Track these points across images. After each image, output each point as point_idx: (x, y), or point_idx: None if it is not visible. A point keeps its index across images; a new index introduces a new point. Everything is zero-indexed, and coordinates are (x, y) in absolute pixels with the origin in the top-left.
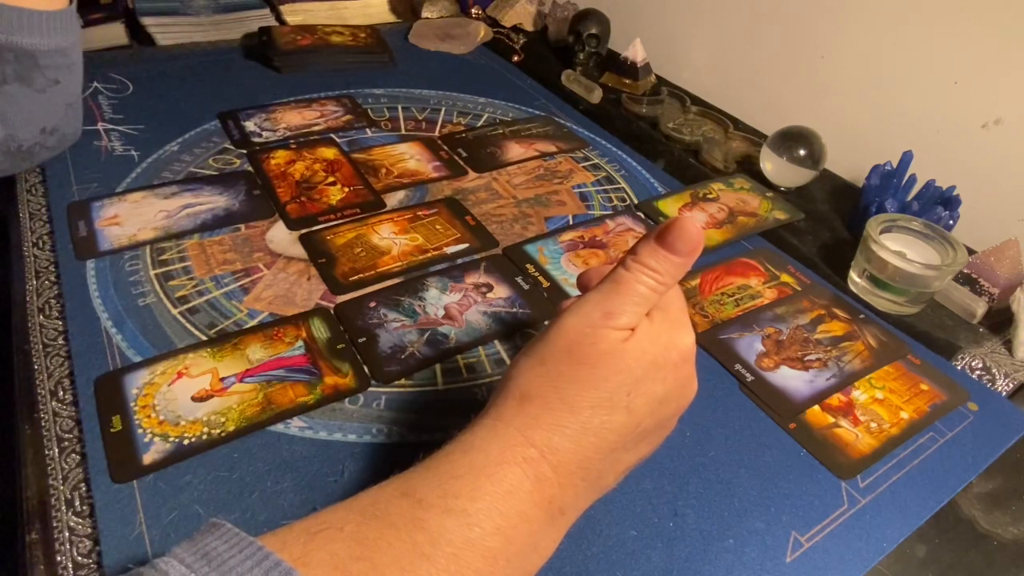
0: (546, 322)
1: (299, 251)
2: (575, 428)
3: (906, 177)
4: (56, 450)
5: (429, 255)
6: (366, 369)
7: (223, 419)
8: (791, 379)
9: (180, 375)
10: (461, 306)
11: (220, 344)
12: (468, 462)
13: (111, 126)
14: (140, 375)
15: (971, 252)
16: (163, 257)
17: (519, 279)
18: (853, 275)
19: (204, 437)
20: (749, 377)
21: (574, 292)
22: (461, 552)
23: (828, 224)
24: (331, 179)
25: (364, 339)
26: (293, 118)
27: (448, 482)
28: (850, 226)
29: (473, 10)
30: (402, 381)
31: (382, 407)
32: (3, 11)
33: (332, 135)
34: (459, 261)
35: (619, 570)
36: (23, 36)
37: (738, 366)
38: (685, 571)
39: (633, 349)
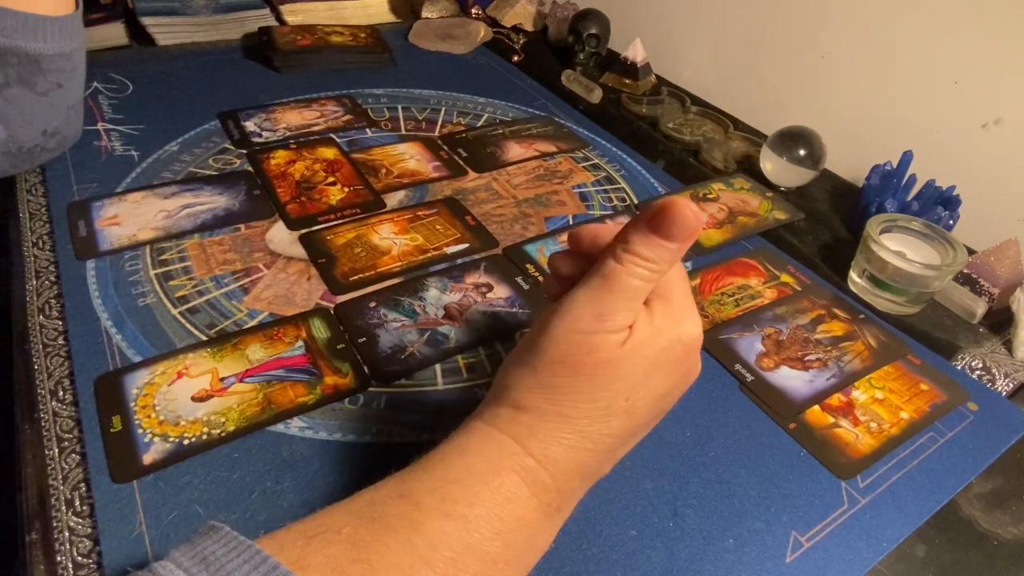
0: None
1: (299, 251)
2: (572, 438)
3: (906, 177)
4: (56, 450)
5: (429, 255)
6: (366, 369)
7: (223, 419)
8: (791, 379)
9: (180, 375)
10: (461, 306)
11: (220, 344)
12: (465, 466)
13: (111, 126)
14: (140, 375)
15: (971, 252)
16: (163, 257)
17: (519, 279)
18: (853, 275)
19: (204, 437)
20: (749, 377)
21: None
22: (460, 557)
23: (828, 224)
24: (331, 179)
25: (364, 339)
26: (293, 118)
27: (445, 486)
28: (850, 226)
29: (473, 10)
30: (402, 381)
31: (382, 407)
32: (7, 15)
33: (332, 135)
34: (459, 261)
35: (619, 570)
36: (27, 40)
37: (738, 366)
38: (685, 571)
39: (631, 354)
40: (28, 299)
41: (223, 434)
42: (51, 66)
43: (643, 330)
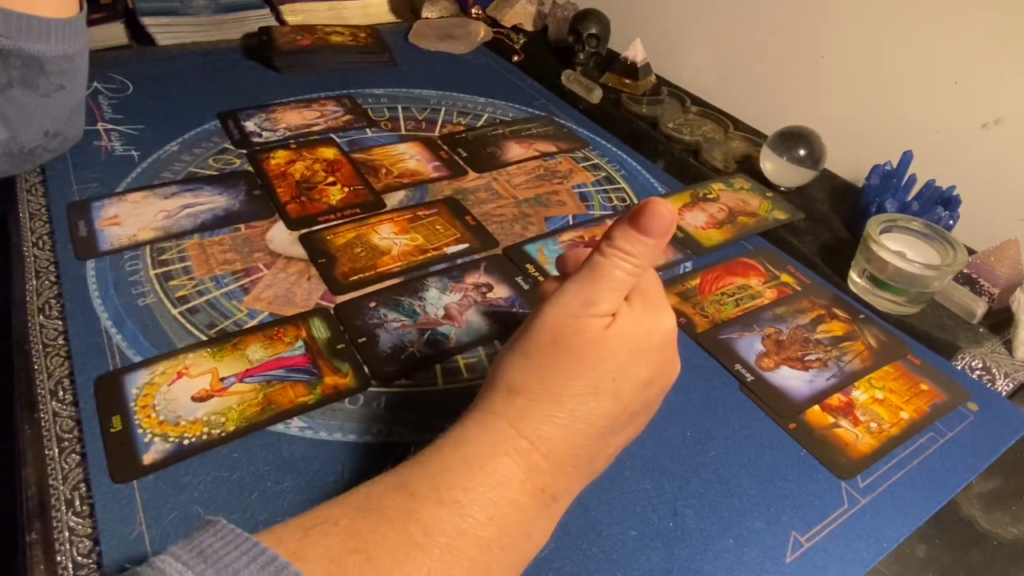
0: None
1: (299, 251)
2: (564, 417)
3: (906, 177)
4: (56, 450)
5: (429, 255)
6: (366, 369)
7: (223, 419)
8: (791, 379)
9: (180, 375)
10: (461, 306)
11: (220, 344)
12: (460, 455)
13: (111, 126)
14: (140, 375)
15: (971, 252)
16: (163, 257)
17: (519, 279)
18: (853, 275)
19: (204, 437)
20: (749, 377)
21: None
22: (455, 542)
23: (828, 224)
24: (331, 179)
25: (364, 339)
26: (293, 118)
27: (440, 474)
28: (850, 226)
29: (473, 10)
30: (402, 381)
31: (382, 407)
32: (11, 17)
33: (332, 135)
34: (459, 261)
35: (619, 570)
36: (30, 42)
37: (738, 366)
38: (685, 571)
39: (615, 336)
40: (28, 299)
41: (223, 434)
42: (54, 68)
43: (625, 317)
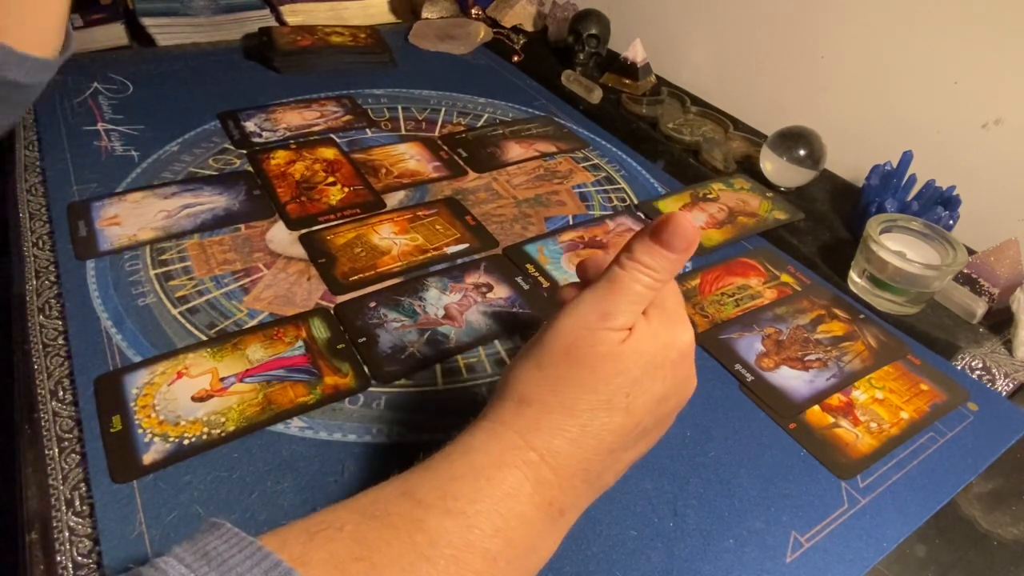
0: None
1: (299, 251)
2: (575, 431)
3: (906, 177)
4: (56, 450)
5: (429, 255)
6: (366, 369)
7: (223, 419)
8: (791, 379)
9: (180, 375)
10: (461, 306)
11: (220, 344)
12: (468, 463)
13: (111, 126)
14: (140, 375)
15: (971, 252)
16: (163, 257)
17: (519, 279)
18: (853, 275)
19: (204, 437)
20: (749, 377)
21: None
22: (461, 554)
23: (828, 224)
24: (331, 179)
25: (364, 339)
26: (293, 118)
27: (448, 483)
28: (850, 226)
29: (473, 10)
30: (402, 381)
31: (382, 407)
32: None
33: (332, 135)
34: (459, 261)
35: (619, 570)
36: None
37: (738, 366)
38: (685, 571)
39: (631, 350)
40: (28, 299)
41: (223, 434)
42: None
43: (642, 331)
